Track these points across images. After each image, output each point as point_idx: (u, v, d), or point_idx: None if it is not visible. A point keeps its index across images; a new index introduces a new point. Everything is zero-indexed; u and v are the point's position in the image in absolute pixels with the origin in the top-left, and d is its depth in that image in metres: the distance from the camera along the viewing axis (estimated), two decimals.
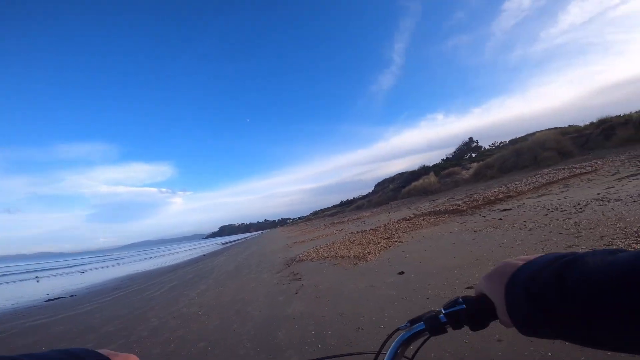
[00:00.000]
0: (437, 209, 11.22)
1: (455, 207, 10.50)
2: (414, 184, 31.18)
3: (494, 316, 0.41)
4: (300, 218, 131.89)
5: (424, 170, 37.35)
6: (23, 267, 42.48)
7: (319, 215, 79.64)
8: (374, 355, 0.54)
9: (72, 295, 10.67)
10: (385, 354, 0.51)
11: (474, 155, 47.55)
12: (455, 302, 0.45)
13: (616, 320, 0.29)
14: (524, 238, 5.08)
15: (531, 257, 0.38)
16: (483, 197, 10.87)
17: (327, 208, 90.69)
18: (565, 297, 0.29)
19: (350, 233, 12.05)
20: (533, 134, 29.55)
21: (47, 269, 31.11)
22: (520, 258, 0.39)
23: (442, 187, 27.57)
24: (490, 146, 52.50)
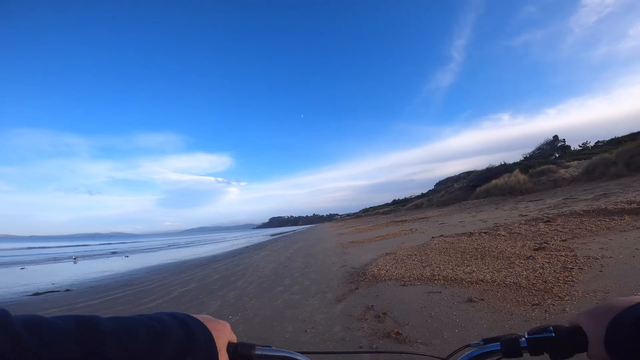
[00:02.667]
0: (605, 207, 6.78)
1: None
2: (494, 182, 25.80)
3: (582, 349, 0.41)
4: (348, 215, 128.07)
5: (503, 168, 31.47)
6: (84, 247, 44.43)
7: (369, 212, 75.38)
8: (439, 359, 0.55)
9: (68, 290, 8.34)
10: None
11: (557, 155, 40.10)
12: (543, 329, 0.44)
13: None
14: None
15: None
16: None
17: (379, 206, 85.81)
18: None
19: (439, 237, 8.09)
20: None
21: (95, 252, 31.29)
22: (629, 298, 0.39)
23: (535, 187, 22.13)
24: (581, 146, 44.40)
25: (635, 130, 28.35)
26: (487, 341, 0.49)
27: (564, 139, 53.45)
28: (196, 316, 0.43)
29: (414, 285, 4.06)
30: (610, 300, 0.41)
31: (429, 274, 4.37)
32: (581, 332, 0.41)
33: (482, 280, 3.65)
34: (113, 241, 77.17)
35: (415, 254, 5.91)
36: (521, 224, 6.91)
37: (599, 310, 0.41)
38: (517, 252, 4.72)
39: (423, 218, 21.18)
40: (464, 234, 7.15)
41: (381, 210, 63.88)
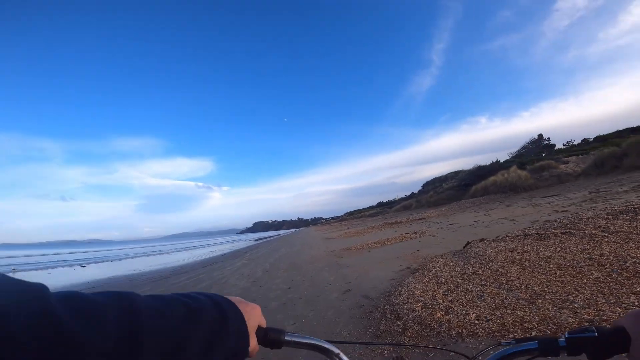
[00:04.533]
0: None
1: None
2: (492, 178, 24.07)
3: (623, 350, 0.41)
4: (333, 218, 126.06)
5: (497, 166, 29.97)
6: (47, 257, 39.86)
7: (355, 215, 73.54)
8: (466, 358, 0.53)
9: None
10: None
11: (544, 154, 39.34)
12: (585, 329, 0.44)
13: None
14: None
15: None
16: None
17: (364, 209, 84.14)
18: None
19: (482, 242, 5.74)
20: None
21: (51, 262, 27.49)
22: None
23: (538, 183, 20.54)
24: (565, 145, 44.24)
25: (612, 130, 29.70)
26: (519, 341, 0.47)
27: (548, 138, 53.44)
28: (229, 298, 0.42)
29: None
30: None
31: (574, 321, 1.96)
32: (625, 333, 0.41)
33: None
34: (86, 249, 71.93)
35: (477, 272, 3.47)
36: (608, 219, 4.66)
37: None
38: None
39: (420, 219, 19.04)
40: (526, 236, 4.80)
41: (367, 213, 62.05)
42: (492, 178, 24.08)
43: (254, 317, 0.44)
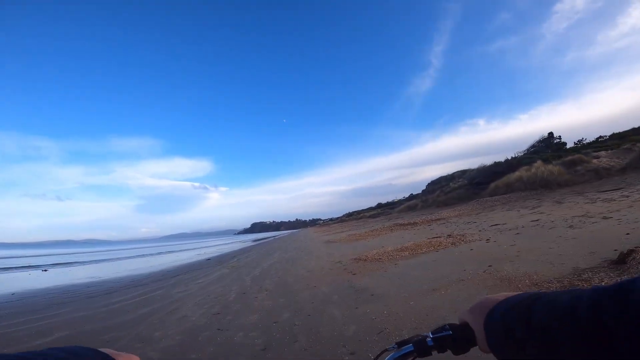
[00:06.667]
0: None
1: None
2: (516, 174, 21.22)
3: (474, 343, 0.45)
4: (331, 219, 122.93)
5: (516, 162, 27.14)
6: (17, 259, 37.00)
7: (354, 216, 70.96)
8: None
9: None
10: None
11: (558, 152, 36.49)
12: (442, 328, 0.48)
13: (567, 345, 0.31)
14: None
15: (510, 294, 0.41)
16: None
17: (364, 210, 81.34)
18: (530, 327, 0.33)
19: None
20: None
21: (12, 265, 24.43)
22: (501, 295, 0.43)
23: (575, 179, 17.77)
24: (576, 143, 41.34)
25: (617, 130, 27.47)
26: (400, 344, 0.50)
27: (559, 136, 50.71)
28: (102, 350, 0.38)
29: None
30: (487, 297, 0.44)
31: None
32: (469, 328, 0.45)
33: None
34: (77, 249, 69.01)
35: None
36: None
37: (478, 306, 0.44)
38: None
39: (439, 219, 16.15)
40: None
41: (368, 214, 59.39)
42: (516, 174, 21.20)
43: None
